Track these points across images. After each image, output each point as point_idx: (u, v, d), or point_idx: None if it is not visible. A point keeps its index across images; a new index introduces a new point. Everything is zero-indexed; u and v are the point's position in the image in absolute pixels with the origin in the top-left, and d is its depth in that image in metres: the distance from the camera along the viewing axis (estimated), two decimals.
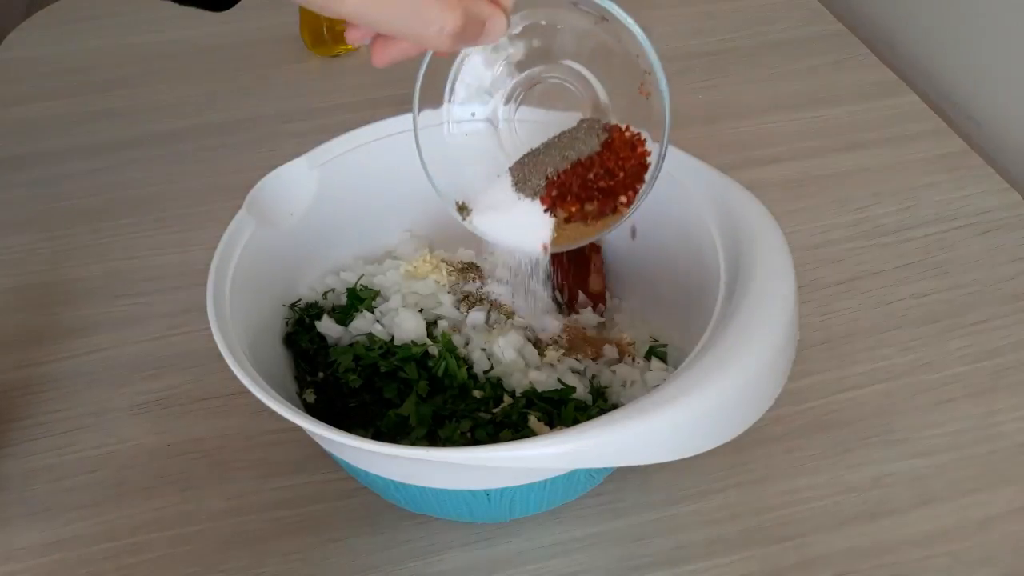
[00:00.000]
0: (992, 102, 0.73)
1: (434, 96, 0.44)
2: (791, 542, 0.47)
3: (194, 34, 0.86)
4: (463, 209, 0.46)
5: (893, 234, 0.63)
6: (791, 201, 0.66)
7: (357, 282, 0.53)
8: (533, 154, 0.45)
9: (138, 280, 0.62)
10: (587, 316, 0.53)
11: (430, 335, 0.49)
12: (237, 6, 0.42)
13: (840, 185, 0.67)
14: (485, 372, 0.47)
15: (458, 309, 0.50)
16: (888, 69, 0.78)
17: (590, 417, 0.43)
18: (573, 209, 0.45)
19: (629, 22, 0.41)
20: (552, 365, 0.48)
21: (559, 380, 0.47)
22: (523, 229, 0.45)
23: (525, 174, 0.45)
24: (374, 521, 0.48)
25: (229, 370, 0.40)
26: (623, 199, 0.44)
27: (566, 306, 0.54)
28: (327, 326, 0.50)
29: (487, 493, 0.42)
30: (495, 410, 0.45)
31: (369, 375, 0.48)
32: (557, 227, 0.45)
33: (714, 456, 0.39)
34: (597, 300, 0.54)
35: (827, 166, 0.69)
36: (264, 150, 0.72)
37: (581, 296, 0.54)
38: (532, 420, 0.44)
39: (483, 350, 0.48)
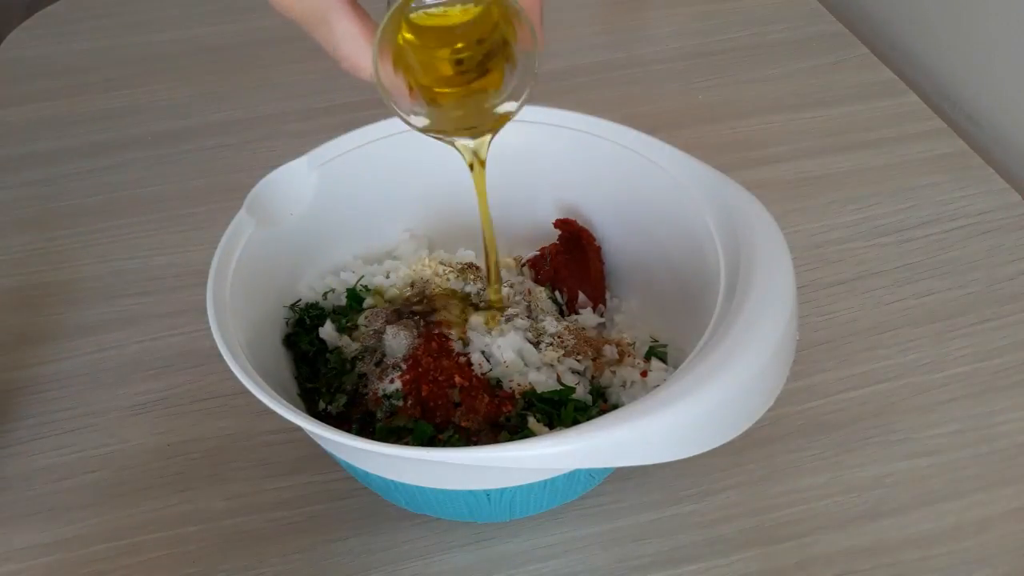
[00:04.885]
0: (992, 102, 0.73)
1: None
2: (791, 542, 0.47)
3: (194, 34, 0.86)
4: None
5: (893, 234, 0.63)
6: (791, 201, 0.66)
7: (357, 282, 0.53)
8: None
9: (138, 280, 0.62)
10: (587, 316, 0.53)
11: None
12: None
13: (840, 185, 0.67)
14: (484, 373, 0.47)
15: None
16: (888, 69, 0.78)
17: (590, 417, 0.43)
18: None
19: None
20: (552, 365, 0.48)
21: (559, 380, 0.47)
22: None
23: None
24: (374, 521, 0.48)
25: (229, 370, 0.40)
26: None
27: (566, 306, 0.54)
28: (329, 333, 0.50)
29: (487, 493, 0.41)
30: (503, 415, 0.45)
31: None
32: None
33: (714, 456, 0.39)
34: (597, 300, 0.54)
35: (827, 166, 0.69)
36: (264, 150, 0.72)
37: (581, 296, 0.54)
38: (531, 421, 0.44)
39: (482, 352, 0.47)
